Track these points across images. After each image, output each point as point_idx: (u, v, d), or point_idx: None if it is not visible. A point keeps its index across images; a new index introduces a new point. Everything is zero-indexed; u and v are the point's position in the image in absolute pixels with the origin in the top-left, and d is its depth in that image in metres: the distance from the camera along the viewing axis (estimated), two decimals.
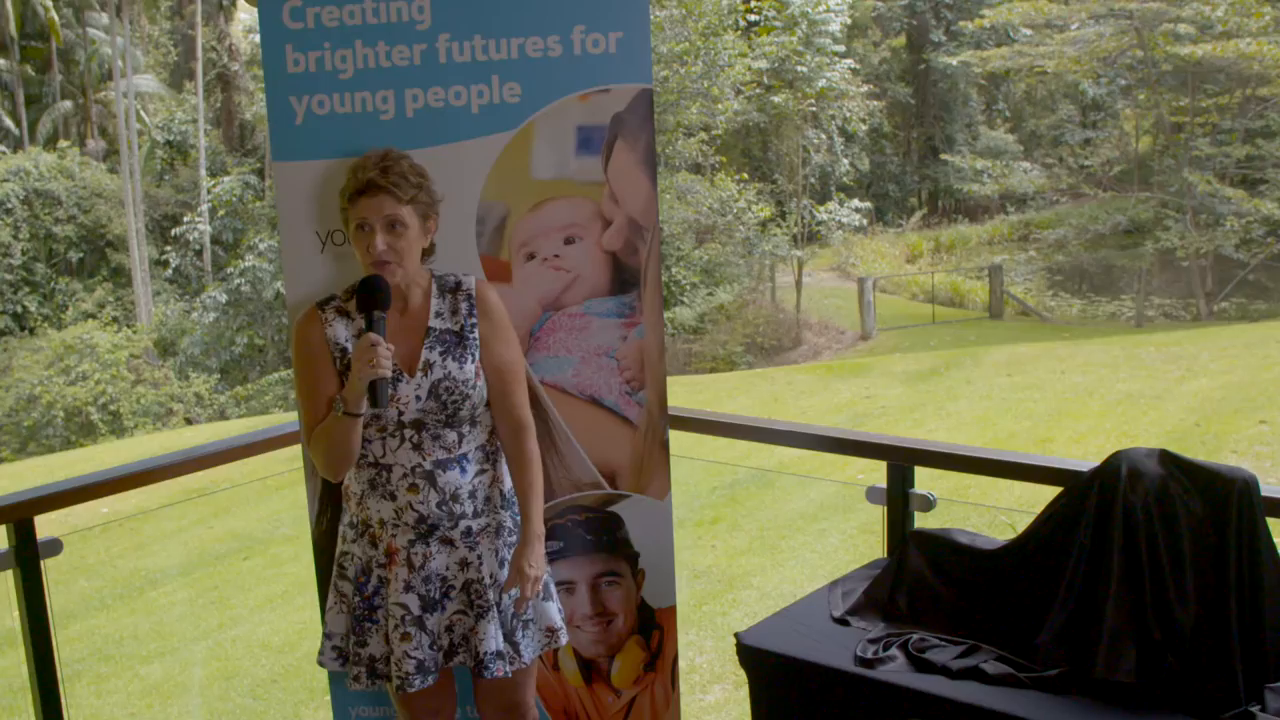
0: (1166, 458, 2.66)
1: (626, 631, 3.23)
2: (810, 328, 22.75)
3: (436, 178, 2.90)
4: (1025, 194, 27.89)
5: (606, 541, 3.12)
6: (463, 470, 2.73)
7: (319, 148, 2.94)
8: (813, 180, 26.22)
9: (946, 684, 2.62)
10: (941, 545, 3.01)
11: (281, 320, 19.11)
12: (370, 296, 2.61)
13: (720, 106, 21.47)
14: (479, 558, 2.77)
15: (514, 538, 2.82)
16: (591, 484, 3.07)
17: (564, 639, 2.92)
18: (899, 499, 3.26)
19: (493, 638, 2.76)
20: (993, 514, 6.76)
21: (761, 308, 23.04)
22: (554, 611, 2.90)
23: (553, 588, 2.93)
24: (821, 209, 24.55)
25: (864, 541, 7.28)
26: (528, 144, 2.92)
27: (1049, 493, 2.87)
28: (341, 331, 2.71)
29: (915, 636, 2.79)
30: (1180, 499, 2.59)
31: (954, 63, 29.40)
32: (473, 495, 2.74)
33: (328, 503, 3.10)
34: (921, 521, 3.29)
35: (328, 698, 3.65)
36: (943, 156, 30.17)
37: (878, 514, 3.36)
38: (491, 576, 2.77)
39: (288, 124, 2.95)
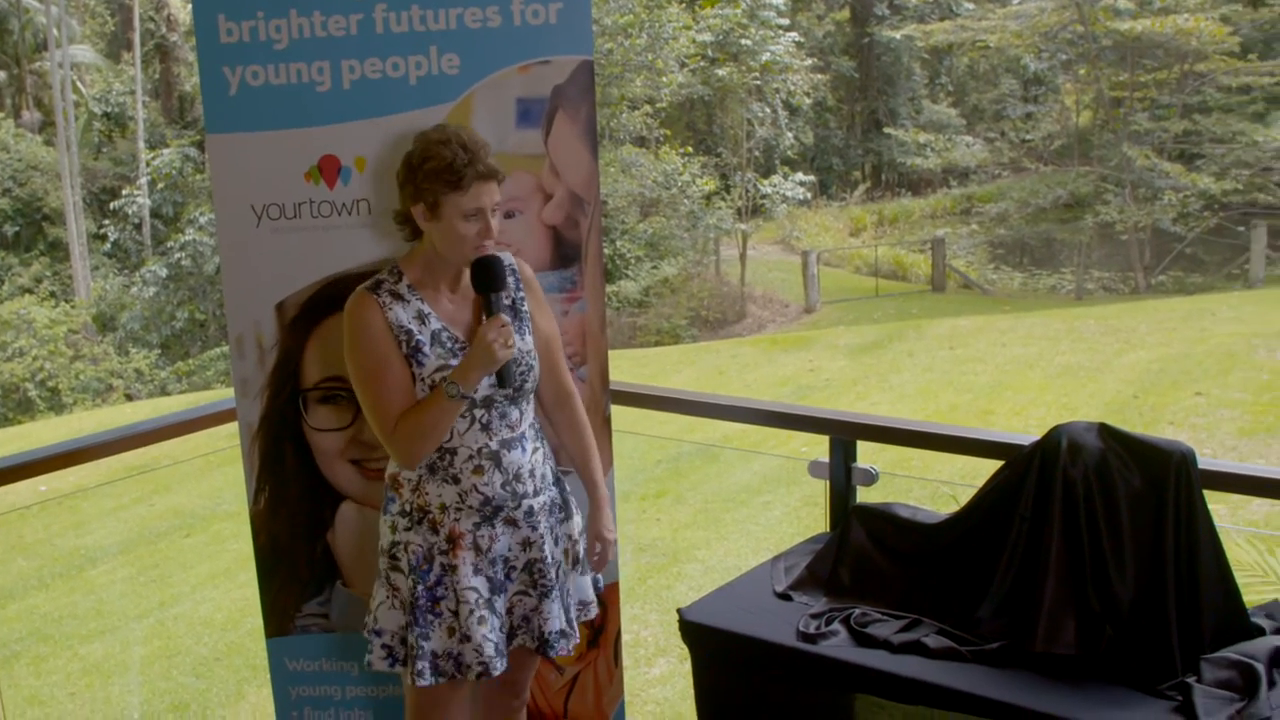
0: (1106, 431, 2.68)
1: None
2: (754, 301, 22.81)
3: (373, 151, 2.87)
4: (967, 168, 28.07)
5: None
6: (523, 449, 2.69)
7: (254, 120, 2.89)
8: (757, 154, 26.23)
9: (889, 658, 2.63)
10: (884, 519, 3.02)
11: (223, 295, 18.91)
12: (491, 278, 2.58)
13: (664, 79, 21.42)
14: (541, 536, 2.72)
15: (562, 513, 2.81)
16: None
17: (594, 610, 2.94)
18: (841, 473, 3.26)
19: (557, 617, 2.74)
20: (935, 487, 6.80)
21: (706, 281, 23.07)
22: (588, 584, 2.91)
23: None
24: (765, 182, 24.57)
25: (807, 515, 7.31)
26: (467, 116, 2.87)
27: (991, 465, 2.88)
28: (402, 315, 2.61)
29: (857, 611, 2.80)
30: (1119, 472, 2.60)
31: (897, 36, 29.49)
32: (532, 474, 2.70)
33: (265, 480, 3.05)
34: (864, 495, 3.30)
35: None
36: (886, 130, 30.26)
37: (821, 488, 3.37)
38: (552, 555, 2.75)
39: (221, 95, 2.89)
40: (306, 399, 3.00)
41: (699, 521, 7.88)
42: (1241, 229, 22.64)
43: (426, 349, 2.60)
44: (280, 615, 3.14)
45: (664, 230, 22.35)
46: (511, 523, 2.68)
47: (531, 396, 2.74)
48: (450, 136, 2.54)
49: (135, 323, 20.79)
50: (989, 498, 2.80)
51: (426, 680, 2.64)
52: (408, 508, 2.67)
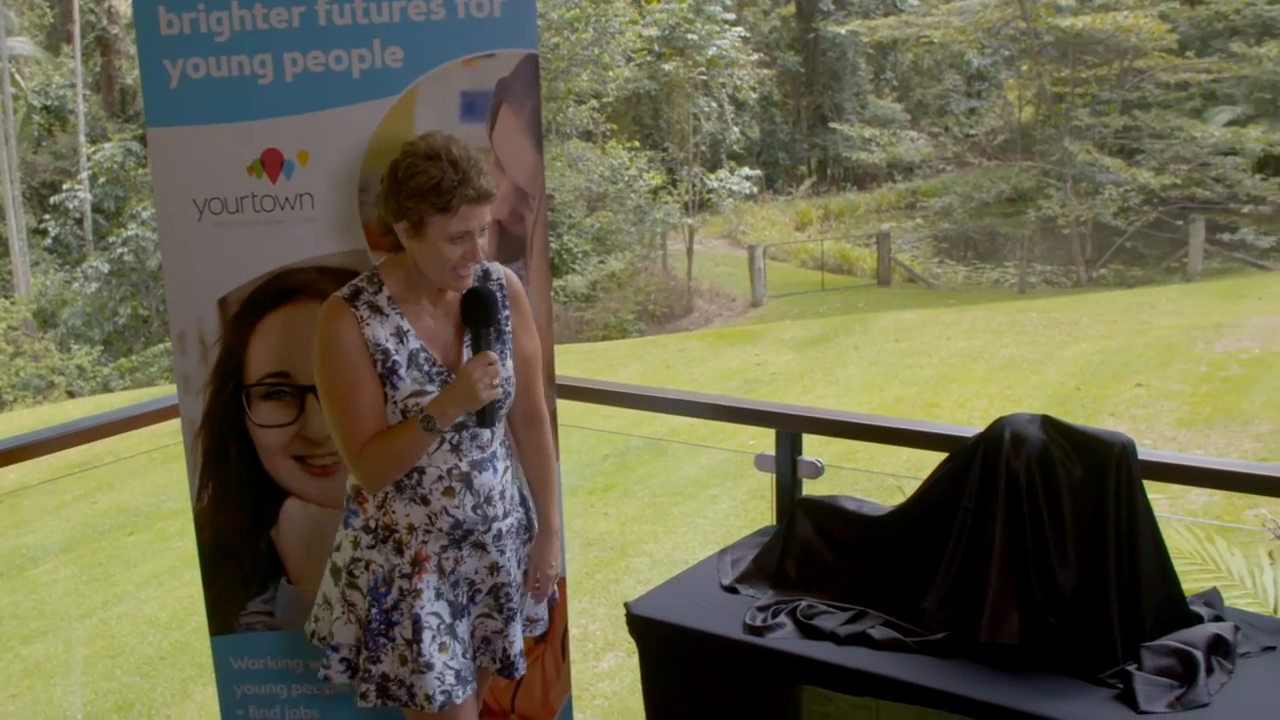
0: (1048, 423, 2.71)
1: None
2: (701, 295, 22.84)
3: (317, 145, 2.84)
4: (912, 162, 28.20)
5: None
6: (494, 469, 2.61)
7: (195, 113, 2.85)
8: (703, 148, 26.25)
9: (835, 650, 2.65)
10: (829, 512, 3.03)
11: (165, 290, 18.68)
12: (482, 313, 2.51)
13: (611, 74, 21.40)
14: (508, 560, 2.67)
15: (526, 534, 2.75)
16: None
17: (542, 627, 2.92)
18: (787, 466, 3.28)
19: (519, 639, 2.72)
20: (881, 479, 6.85)
21: (653, 275, 23.07)
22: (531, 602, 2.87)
23: None
24: (712, 177, 24.60)
25: (754, 508, 7.34)
26: (411, 110, 2.86)
27: (935, 458, 2.90)
28: (379, 331, 2.49)
29: (804, 603, 2.81)
30: (1061, 463, 2.63)
31: (842, 32, 29.59)
32: (503, 495, 2.64)
33: (208, 477, 3.02)
34: (810, 488, 3.32)
35: None
36: (831, 125, 30.39)
37: (768, 481, 3.38)
38: (516, 579, 2.71)
39: (162, 88, 2.86)
40: (250, 395, 2.98)
41: (647, 515, 7.89)
42: (1180, 223, 22.93)
43: (402, 371, 2.50)
44: (224, 613, 3.11)
45: (611, 225, 22.33)
46: (480, 546, 2.62)
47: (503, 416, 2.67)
48: (439, 151, 2.42)
49: (77, 319, 20.51)
50: (933, 490, 2.82)
51: (370, 702, 2.57)
52: (372, 524, 2.59)
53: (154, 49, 2.84)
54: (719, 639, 2.77)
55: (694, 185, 24.37)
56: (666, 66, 23.23)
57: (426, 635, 2.55)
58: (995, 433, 2.71)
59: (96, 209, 23.89)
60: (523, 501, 2.74)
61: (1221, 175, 21.92)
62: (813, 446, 3.39)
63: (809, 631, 2.72)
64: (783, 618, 2.77)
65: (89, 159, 23.16)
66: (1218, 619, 2.65)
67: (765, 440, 3.41)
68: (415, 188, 2.41)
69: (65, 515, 8.65)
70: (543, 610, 2.89)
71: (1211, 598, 2.76)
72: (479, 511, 2.58)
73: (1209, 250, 22.54)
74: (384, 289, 2.53)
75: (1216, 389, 11.27)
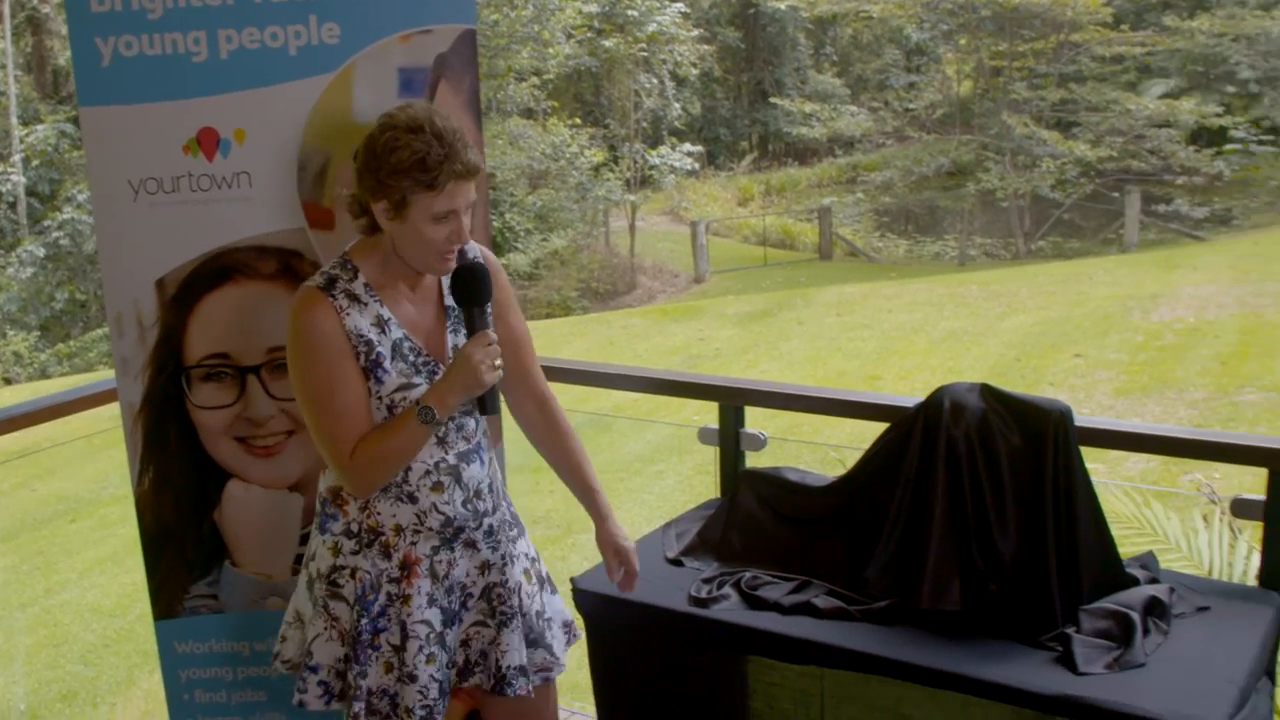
0: (987, 391, 2.74)
1: None
2: (644, 272, 22.86)
3: (253, 123, 2.81)
4: (852, 137, 28.38)
5: None
6: (480, 461, 2.44)
7: (128, 92, 2.81)
8: (645, 125, 26.22)
9: (779, 620, 2.66)
10: (772, 483, 3.05)
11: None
12: (477, 290, 2.33)
13: (551, 50, 21.31)
14: (501, 558, 2.49)
15: (514, 531, 2.57)
16: None
17: (579, 633, 2.69)
18: (731, 439, 3.30)
19: (515, 650, 2.47)
20: (825, 452, 6.90)
21: (596, 253, 23.06)
22: (561, 603, 2.66)
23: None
24: (654, 153, 24.58)
25: (700, 482, 7.38)
26: (348, 86, 2.83)
27: (877, 429, 2.93)
28: (360, 321, 2.31)
29: (748, 574, 2.83)
30: (1000, 431, 2.67)
31: (782, 7, 29.66)
32: (491, 489, 2.47)
33: (149, 460, 2.99)
34: (754, 461, 3.34)
35: None
36: (772, 100, 30.45)
37: (712, 455, 3.40)
38: (512, 578, 2.50)
39: (94, 67, 2.81)
40: (189, 376, 2.95)
41: None
42: (1116, 195, 23.23)
43: (387, 363, 2.32)
44: (168, 597, 3.09)
45: (553, 202, 22.29)
46: (471, 545, 2.45)
47: None
48: (423, 123, 2.23)
49: (12, 304, 20.18)
50: (875, 460, 2.85)
51: None
52: (355, 528, 2.40)
53: (85, 27, 2.79)
54: (665, 611, 2.78)
55: (636, 162, 24.36)
56: (607, 43, 23.18)
57: (413, 645, 2.37)
58: (935, 402, 2.74)
59: (30, 192, 23.48)
60: (504, 495, 2.59)
61: (1156, 147, 22.24)
62: (757, 419, 3.41)
63: (753, 602, 2.74)
64: (727, 589, 2.79)
65: (21, 141, 22.75)
66: (1153, 581, 2.70)
67: (709, 414, 3.42)
68: (397, 164, 2.21)
69: (4, 504, 8.55)
70: (570, 612, 2.70)
71: (1147, 560, 2.81)
72: (469, 506, 2.42)
73: (1144, 221, 22.85)
74: (359, 275, 2.34)
75: (1153, 358, 11.45)
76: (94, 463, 9.12)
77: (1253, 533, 3.01)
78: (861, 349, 12.73)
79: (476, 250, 2.50)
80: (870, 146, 29.91)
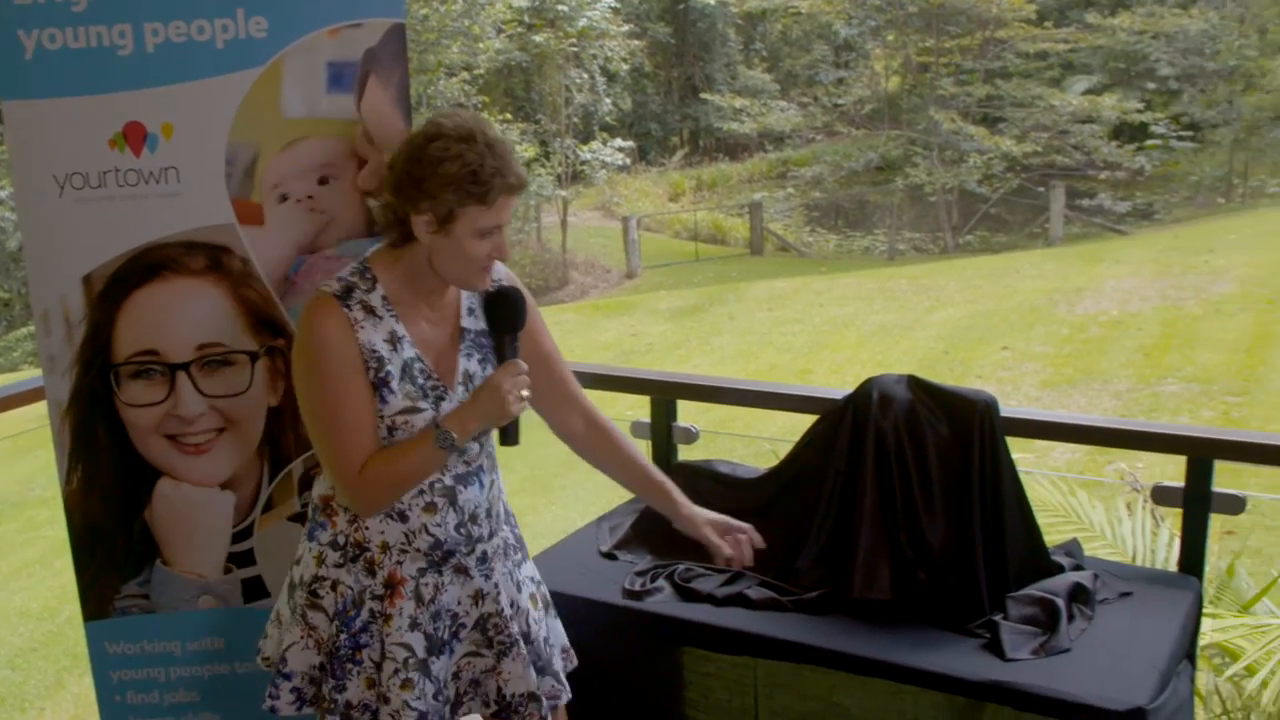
0: (914, 383, 2.78)
1: None
2: (577, 267, 22.84)
3: (181, 117, 2.78)
4: (782, 132, 28.50)
5: None
6: (480, 484, 2.37)
7: (53, 85, 2.77)
8: (576, 120, 26.17)
9: (712, 611, 2.69)
10: (704, 476, 3.08)
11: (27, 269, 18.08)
12: (513, 316, 2.29)
13: (482, 45, 21.22)
14: (495, 586, 2.40)
15: (519, 555, 2.51)
16: None
17: (574, 660, 2.63)
18: (663, 432, 3.32)
19: (521, 677, 2.39)
20: (758, 445, 6.95)
21: (528, 248, 23.00)
22: (561, 628, 2.61)
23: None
24: (585, 148, 24.56)
25: None
26: (277, 81, 2.81)
27: (808, 422, 2.96)
28: (374, 335, 2.22)
29: (681, 567, 2.85)
30: (928, 422, 2.71)
31: (712, 2, 29.76)
32: (489, 513, 2.39)
33: (77, 459, 2.96)
34: (686, 454, 3.36)
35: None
36: (703, 96, 30.52)
37: (644, 448, 3.42)
38: (513, 605, 2.42)
39: (17, 60, 2.77)
40: (118, 374, 2.91)
41: (527, 488, 7.90)
42: (1041, 189, 23.55)
43: (394, 383, 2.23)
44: (98, 598, 3.05)
45: None
46: (462, 571, 2.37)
47: None
48: (474, 131, 2.14)
49: None
50: (805, 452, 2.88)
51: None
52: (340, 540, 2.34)
53: (7, 19, 2.75)
54: (599, 604, 2.80)
55: (567, 157, 24.31)
56: (537, 38, 23.11)
57: (388, 666, 2.30)
58: (863, 394, 2.78)
59: None
60: (508, 519, 2.51)
61: (1080, 143, 22.57)
62: (690, 413, 3.44)
63: (687, 594, 2.76)
64: (661, 582, 2.81)
65: None
66: (1078, 568, 2.75)
67: (642, 409, 3.44)
68: (449, 176, 2.11)
69: None
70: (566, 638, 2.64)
71: (1072, 548, 2.87)
72: (462, 530, 2.33)
73: (1069, 216, 23.19)
74: (378, 286, 2.25)
75: (1078, 350, 11.63)
76: (20, 464, 8.97)
77: (1174, 520, 3.08)
78: (793, 343, 12.81)
79: (503, 271, 2.43)
80: (800, 142, 30.09)
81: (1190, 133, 24.81)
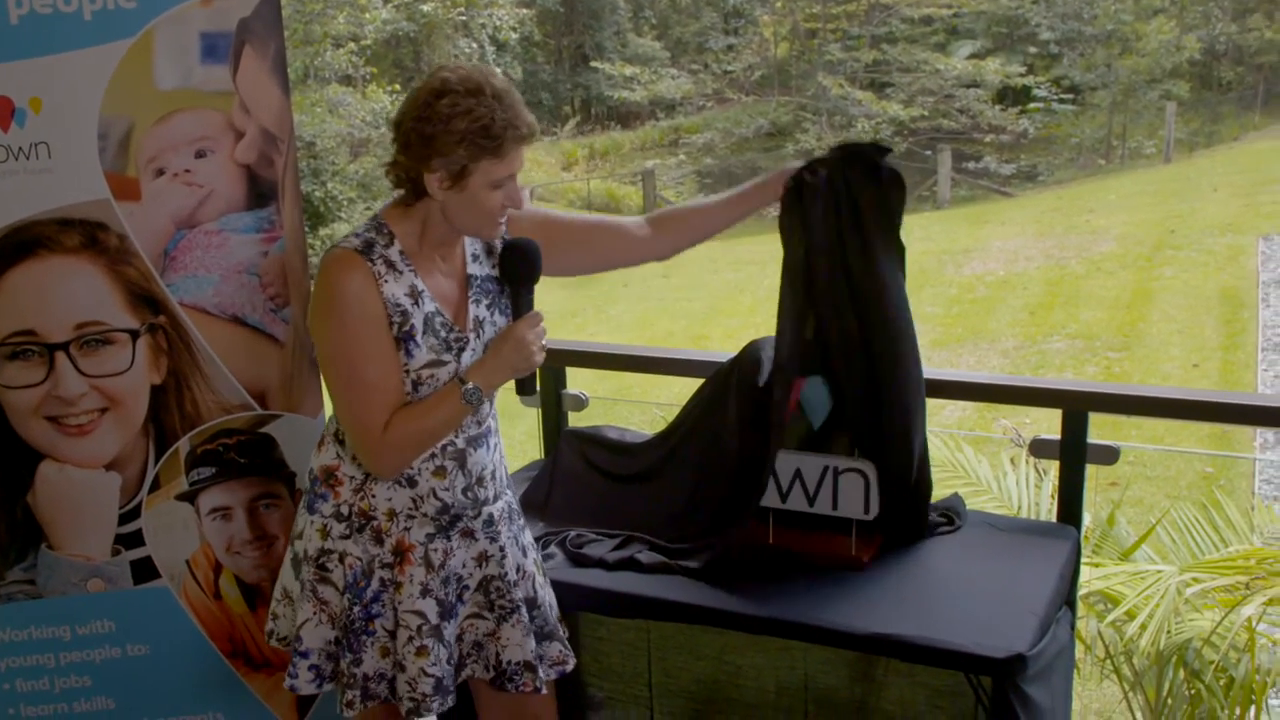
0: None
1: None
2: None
3: (50, 91, 2.72)
4: (674, 100, 28.52)
5: (261, 464, 3.04)
6: (489, 446, 2.37)
7: None
8: None
9: (604, 576, 2.69)
10: (593, 442, 3.10)
11: None
12: (531, 270, 2.29)
13: (368, 16, 20.92)
14: (500, 550, 2.41)
15: (521, 520, 2.52)
16: (241, 405, 2.98)
17: (572, 661, 2.57)
18: (552, 400, 3.32)
19: (518, 644, 2.40)
20: (652, 412, 7.00)
21: None
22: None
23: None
24: None
25: (531, 446, 7.38)
26: (148, 52, 2.75)
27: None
28: (396, 290, 2.20)
29: (573, 533, 2.86)
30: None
31: None
32: (494, 476, 2.40)
33: None
34: (576, 421, 3.38)
35: None
36: (593, 64, 30.41)
37: (533, 416, 3.43)
38: (518, 569, 2.44)
39: None
40: None
41: None
42: (929, 153, 23.87)
43: (419, 336, 2.22)
44: None
45: (375, 171, 21.82)
46: (468, 534, 2.37)
47: None
48: (482, 84, 2.12)
49: None
50: (691, 415, 2.90)
51: (356, 710, 2.34)
52: (346, 511, 2.32)
53: None
54: None
55: None
56: (425, 7, 22.85)
57: (402, 635, 2.31)
58: (748, 355, 2.81)
59: None
60: (510, 484, 2.53)
61: (965, 106, 22.95)
62: (585, 382, 3.45)
63: (579, 560, 2.76)
64: (553, 548, 2.82)
65: None
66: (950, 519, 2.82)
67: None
68: (460, 132, 2.11)
69: None
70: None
71: (954, 502, 2.93)
72: (469, 494, 2.34)
73: (956, 179, 23.53)
74: (395, 242, 2.24)
75: (966, 310, 11.85)
76: None
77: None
78: (689, 309, 12.89)
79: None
80: (691, 109, 30.12)
81: (1071, 96, 25.29)
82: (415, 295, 2.23)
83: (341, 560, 2.34)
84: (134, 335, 2.82)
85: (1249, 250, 13.20)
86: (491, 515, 2.41)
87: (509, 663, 2.41)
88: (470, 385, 2.22)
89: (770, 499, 2.68)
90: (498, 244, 2.41)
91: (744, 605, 2.55)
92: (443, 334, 2.26)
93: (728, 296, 13.35)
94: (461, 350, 2.29)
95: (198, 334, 2.86)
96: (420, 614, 2.31)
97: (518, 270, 2.32)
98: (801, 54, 25.95)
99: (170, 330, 2.83)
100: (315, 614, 2.38)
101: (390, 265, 2.22)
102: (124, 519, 2.93)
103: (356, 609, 2.33)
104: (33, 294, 2.80)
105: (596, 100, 32.60)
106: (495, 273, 2.38)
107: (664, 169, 26.95)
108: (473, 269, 2.36)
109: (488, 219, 2.23)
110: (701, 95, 27.35)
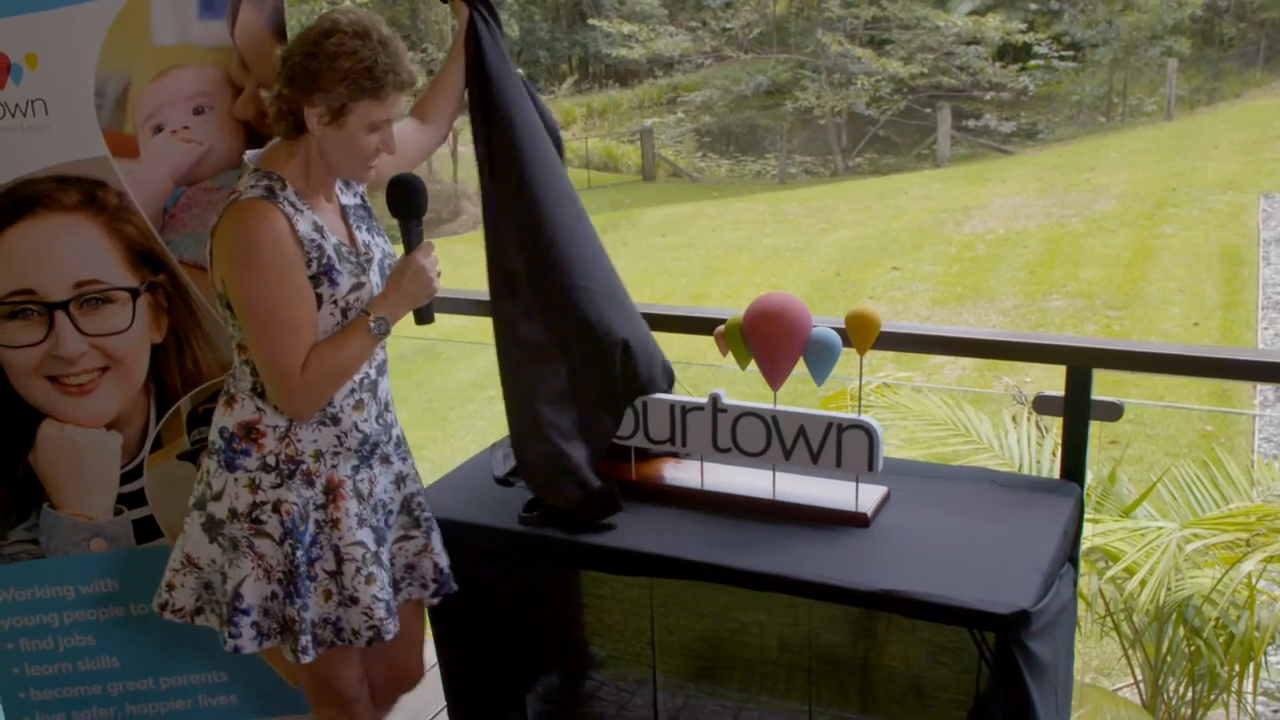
0: None
1: None
2: (468, 198, 22.61)
3: (46, 47, 2.69)
4: (672, 58, 28.37)
5: None
6: (386, 373, 2.48)
7: None
8: None
9: (608, 533, 2.66)
10: None
11: None
12: (416, 204, 2.39)
13: None
14: (413, 467, 2.54)
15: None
16: None
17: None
18: None
19: (441, 551, 2.56)
20: None
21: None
22: None
23: None
24: None
25: None
26: (145, 8, 2.71)
27: (705, 343, 2.98)
28: (307, 228, 2.26)
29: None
30: None
31: None
32: (389, 401, 2.51)
33: None
34: None
35: None
36: (591, 22, 30.25)
37: None
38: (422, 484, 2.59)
39: None
40: None
41: (424, 421, 7.87)
42: (928, 111, 23.79)
43: (338, 264, 2.29)
44: None
45: None
46: (385, 460, 2.47)
47: None
48: (369, 28, 2.21)
49: None
50: None
51: (310, 656, 2.38)
52: (273, 460, 2.34)
53: None
54: (496, 530, 2.78)
55: None
56: None
57: (349, 568, 2.37)
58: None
59: None
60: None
61: (965, 64, 22.84)
62: None
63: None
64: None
65: None
66: None
67: None
68: (344, 70, 2.18)
69: None
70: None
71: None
72: (381, 421, 2.44)
73: (956, 136, 23.47)
74: (288, 185, 2.29)
75: (966, 268, 11.83)
76: None
77: (1060, 430, 3.18)
78: (687, 269, 12.86)
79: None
80: (690, 67, 29.98)
81: (1071, 53, 25.16)
82: (319, 230, 2.30)
83: (277, 509, 2.36)
84: (134, 294, 2.81)
85: (1250, 208, 13.16)
86: (398, 436, 2.53)
87: (444, 569, 2.57)
88: (378, 317, 2.31)
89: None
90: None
91: (748, 561, 2.53)
92: (351, 260, 2.34)
93: (726, 255, 13.32)
94: (367, 269, 2.37)
95: (198, 292, 2.85)
96: (361, 544, 2.39)
97: (405, 205, 2.41)
98: (800, 11, 25.77)
99: (170, 288, 2.82)
100: (253, 569, 2.38)
101: (294, 206, 2.28)
102: (126, 478, 2.93)
103: (299, 553, 2.35)
104: (31, 253, 2.78)
105: (594, 58, 32.45)
106: (359, 201, 2.49)
107: (662, 127, 26.86)
108: (345, 199, 2.45)
109: (360, 160, 2.30)
110: (700, 53, 27.20)
